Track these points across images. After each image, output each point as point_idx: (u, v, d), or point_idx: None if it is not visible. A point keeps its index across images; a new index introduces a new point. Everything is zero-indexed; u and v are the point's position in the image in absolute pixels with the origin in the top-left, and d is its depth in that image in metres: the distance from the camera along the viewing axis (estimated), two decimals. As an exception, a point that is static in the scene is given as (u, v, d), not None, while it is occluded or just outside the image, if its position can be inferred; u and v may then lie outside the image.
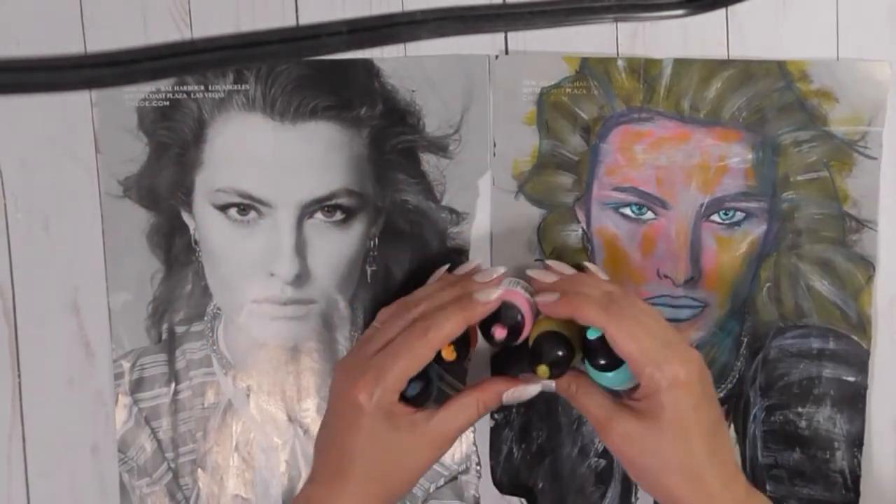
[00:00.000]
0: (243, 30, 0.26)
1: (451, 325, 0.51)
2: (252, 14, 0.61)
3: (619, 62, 0.61)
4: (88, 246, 0.62)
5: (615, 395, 0.53)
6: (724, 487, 0.50)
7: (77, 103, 0.61)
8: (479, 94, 0.61)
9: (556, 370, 0.52)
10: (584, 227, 0.62)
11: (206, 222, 0.62)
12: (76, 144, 0.62)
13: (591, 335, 0.52)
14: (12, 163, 0.62)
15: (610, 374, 0.52)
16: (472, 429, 0.62)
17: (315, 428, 0.61)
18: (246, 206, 0.61)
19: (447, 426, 0.53)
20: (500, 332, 0.52)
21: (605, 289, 0.53)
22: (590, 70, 0.61)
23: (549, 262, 0.59)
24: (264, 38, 0.26)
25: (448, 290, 0.54)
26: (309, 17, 0.61)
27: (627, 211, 0.61)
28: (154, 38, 0.60)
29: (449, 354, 0.52)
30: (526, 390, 0.55)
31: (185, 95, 0.61)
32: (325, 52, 0.27)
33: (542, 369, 0.52)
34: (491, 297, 0.52)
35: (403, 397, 0.52)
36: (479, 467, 0.63)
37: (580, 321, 0.51)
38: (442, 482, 0.63)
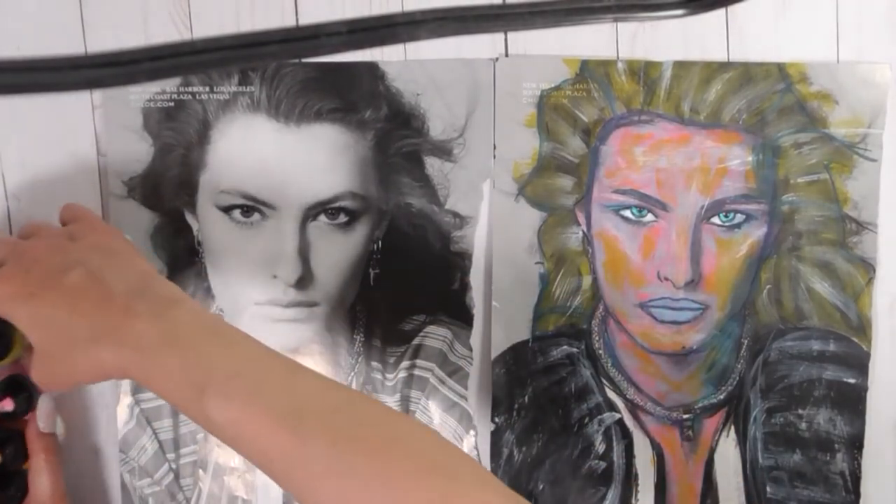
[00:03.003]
0: (243, 30, 0.26)
1: None
2: (252, 14, 0.61)
3: (619, 64, 0.61)
4: (92, 247, 0.62)
5: None
6: (114, 326, 0.46)
7: (78, 104, 0.61)
8: (483, 99, 0.61)
9: None
10: (585, 230, 0.62)
11: (209, 223, 0.62)
12: (77, 146, 0.62)
13: None
14: (13, 164, 0.62)
15: None
16: (473, 433, 0.63)
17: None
18: (249, 208, 0.61)
19: None
20: None
21: None
22: (590, 72, 0.61)
23: None
24: (264, 38, 0.26)
25: None
26: (309, 17, 0.61)
27: (628, 213, 0.61)
28: (154, 38, 0.60)
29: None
30: None
31: (189, 96, 0.61)
32: (325, 52, 0.27)
33: None
34: None
35: None
36: (480, 469, 0.63)
37: None
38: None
